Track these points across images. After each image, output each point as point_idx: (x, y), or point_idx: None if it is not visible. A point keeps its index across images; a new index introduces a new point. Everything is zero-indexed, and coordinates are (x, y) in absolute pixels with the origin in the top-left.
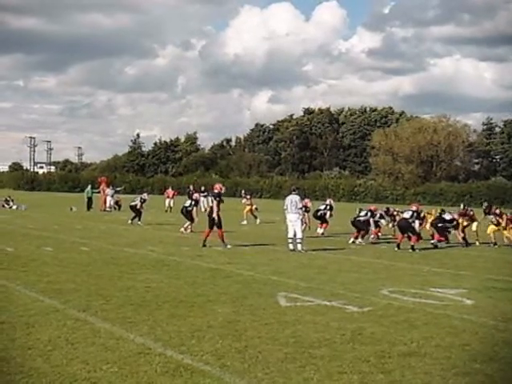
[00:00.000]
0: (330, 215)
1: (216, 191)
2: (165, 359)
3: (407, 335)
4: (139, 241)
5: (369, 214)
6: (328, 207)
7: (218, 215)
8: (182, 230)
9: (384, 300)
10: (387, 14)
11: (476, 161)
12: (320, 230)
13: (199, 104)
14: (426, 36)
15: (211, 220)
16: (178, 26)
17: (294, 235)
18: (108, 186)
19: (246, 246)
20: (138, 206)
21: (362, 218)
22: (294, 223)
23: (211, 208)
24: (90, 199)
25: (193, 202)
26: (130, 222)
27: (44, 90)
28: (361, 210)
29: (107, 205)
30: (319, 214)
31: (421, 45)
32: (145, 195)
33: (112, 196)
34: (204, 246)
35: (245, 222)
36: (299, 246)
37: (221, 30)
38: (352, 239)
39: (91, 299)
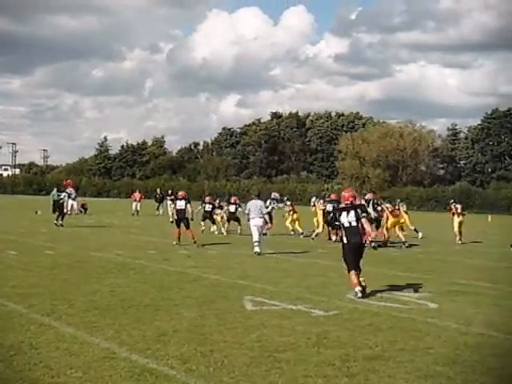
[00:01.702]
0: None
1: (186, 197)
2: (130, 364)
3: (372, 339)
4: (105, 244)
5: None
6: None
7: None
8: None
9: (349, 304)
10: (354, 19)
11: (441, 166)
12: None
13: (166, 108)
14: (392, 42)
15: (187, 221)
16: (145, 29)
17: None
18: (76, 190)
19: (212, 249)
20: (63, 202)
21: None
22: (259, 227)
23: (185, 211)
24: (55, 202)
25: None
26: (58, 222)
27: (9, 91)
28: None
29: (70, 208)
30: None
31: (386, 51)
32: (70, 189)
33: (74, 199)
34: (195, 243)
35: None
36: (257, 249)
37: (189, 34)
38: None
39: (56, 303)
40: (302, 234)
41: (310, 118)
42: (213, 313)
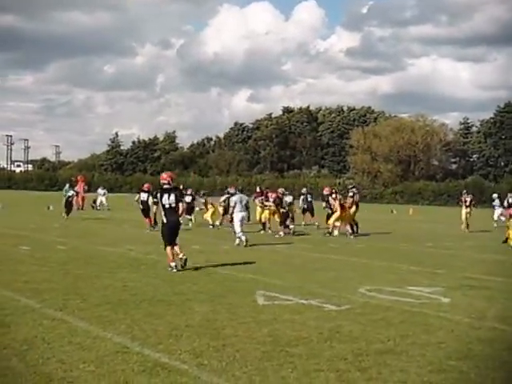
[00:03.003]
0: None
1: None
2: (142, 358)
3: (384, 333)
4: (117, 239)
5: None
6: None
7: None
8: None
9: (361, 298)
10: (365, 13)
11: (453, 160)
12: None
13: (178, 103)
14: (404, 36)
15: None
16: (157, 24)
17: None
18: (86, 185)
19: (224, 244)
20: (71, 200)
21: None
22: (245, 220)
23: (147, 202)
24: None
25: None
26: (65, 216)
27: (21, 87)
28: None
29: (98, 203)
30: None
31: (398, 45)
32: (77, 188)
33: (104, 195)
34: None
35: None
36: (237, 241)
37: (200, 29)
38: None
39: (68, 298)
40: (213, 225)
41: (322, 112)
42: (225, 307)
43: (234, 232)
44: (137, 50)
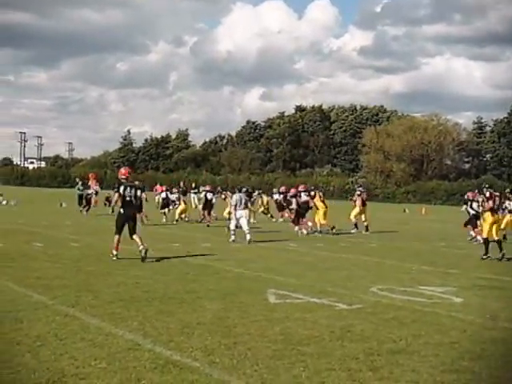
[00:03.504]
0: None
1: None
2: (154, 355)
3: (396, 333)
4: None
5: None
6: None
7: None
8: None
9: (373, 297)
10: (379, 12)
11: (466, 160)
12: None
13: (191, 101)
14: (417, 35)
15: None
16: (170, 22)
17: (236, 227)
18: (98, 182)
19: (236, 242)
20: (90, 197)
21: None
22: (244, 218)
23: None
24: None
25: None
26: (83, 211)
27: (35, 85)
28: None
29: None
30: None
31: (412, 44)
32: (97, 187)
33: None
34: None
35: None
36: (248, 236)
37: (213, 27)
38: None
39: (80, 295)
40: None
41: (335, 111)
42: (236, 305)
43: (245, 229)
44: (150, 48)
